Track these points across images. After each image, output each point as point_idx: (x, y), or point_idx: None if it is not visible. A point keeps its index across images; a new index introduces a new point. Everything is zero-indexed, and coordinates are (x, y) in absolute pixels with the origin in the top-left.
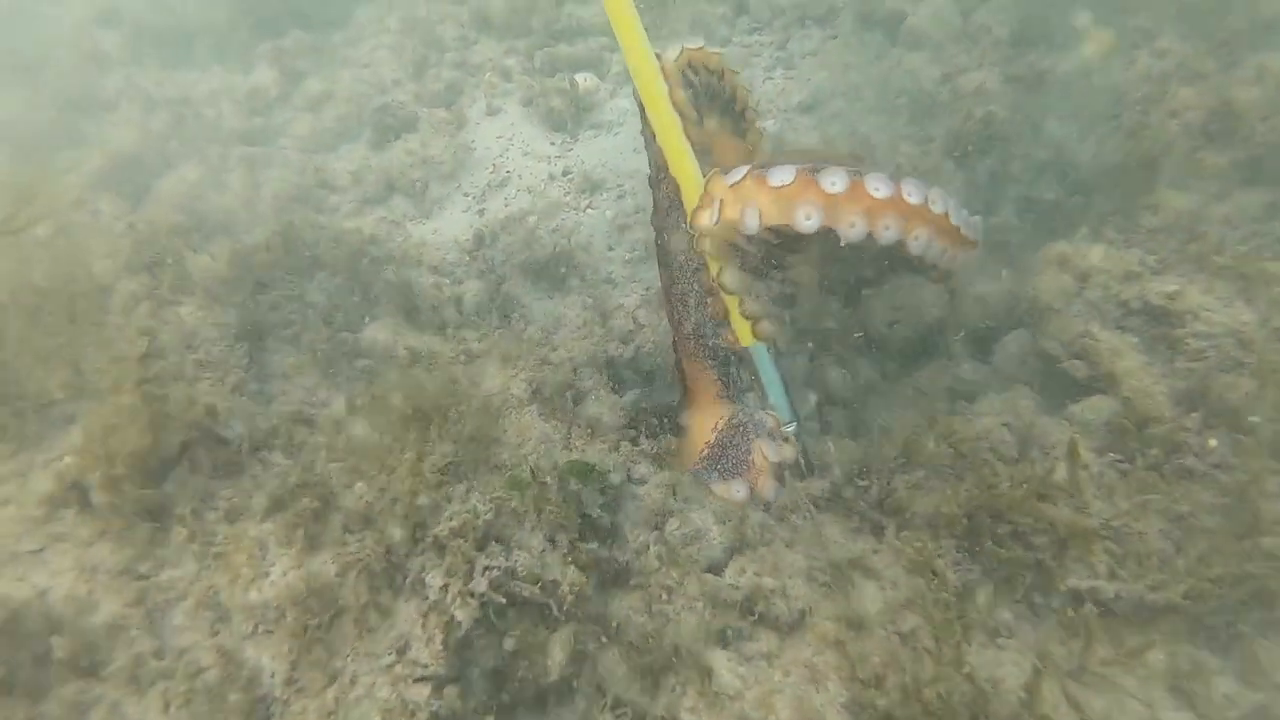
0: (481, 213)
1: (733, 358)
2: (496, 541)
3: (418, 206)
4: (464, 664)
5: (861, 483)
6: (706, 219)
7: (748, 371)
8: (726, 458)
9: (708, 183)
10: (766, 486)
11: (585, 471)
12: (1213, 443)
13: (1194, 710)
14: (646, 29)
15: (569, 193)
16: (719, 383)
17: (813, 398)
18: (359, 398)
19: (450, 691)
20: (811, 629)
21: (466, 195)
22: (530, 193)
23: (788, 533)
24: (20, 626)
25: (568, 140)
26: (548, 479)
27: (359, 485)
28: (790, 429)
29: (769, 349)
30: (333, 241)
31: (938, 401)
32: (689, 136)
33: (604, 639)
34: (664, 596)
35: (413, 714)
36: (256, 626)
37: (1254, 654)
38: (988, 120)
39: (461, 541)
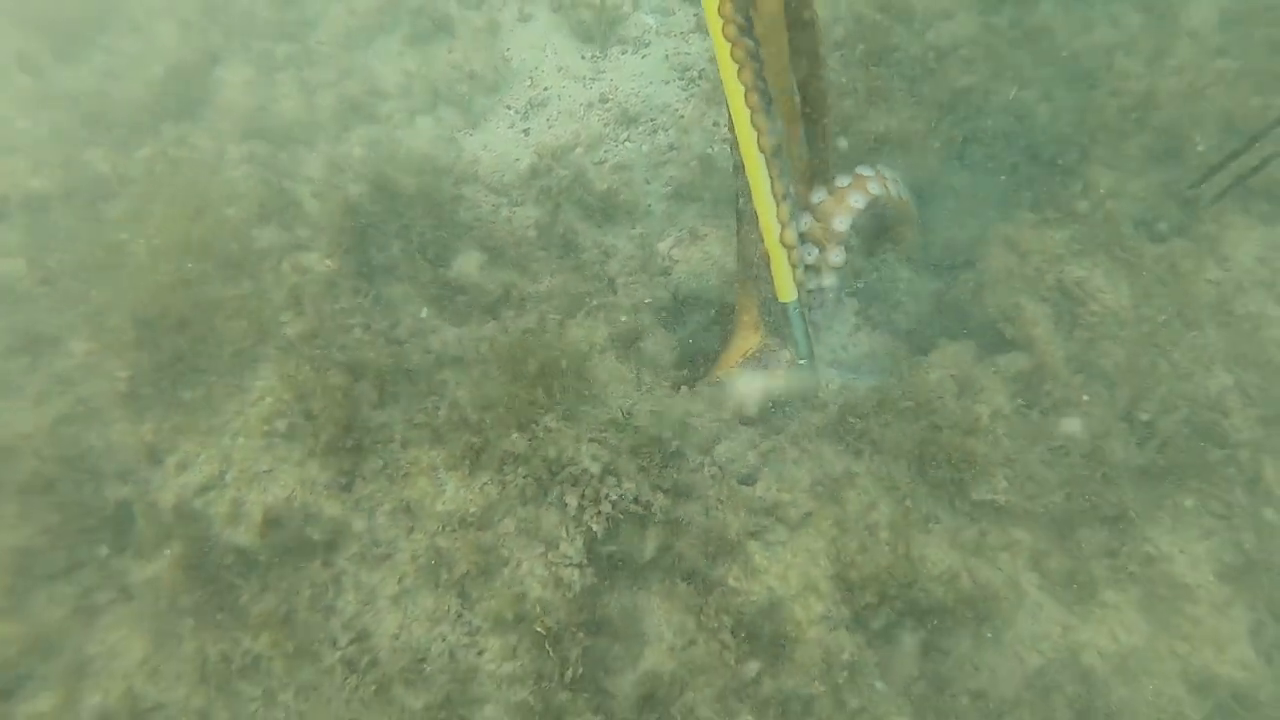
0: (526, 132)
1: (771, 302)
2: (611, 475)
3: (464, 117)
4: (591, 555)
5: (852, 420)
6: None
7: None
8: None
9: None
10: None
11: (662, 418)
12: (1085, 397)
13: (1040, 574)
14: None
15: (608, 124)
16: (759, 315)
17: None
18: (480, 345)
19: (587, 571)
20: (812, 525)
21: (509, 109)
22: (571, 118)
23: (796, 452)
24: (280, 520)
25: (598, 55)
26: (638, 423)
27: (517, 438)
28: (802, 363)
29: (796, 306)
30: (412, 175)
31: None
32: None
33: (679, 535)
34: (718, 506)
35: (567, 588)
36: (443, 526)
37: (1082, 542)
38: (969, 90)
39: (591, 478)
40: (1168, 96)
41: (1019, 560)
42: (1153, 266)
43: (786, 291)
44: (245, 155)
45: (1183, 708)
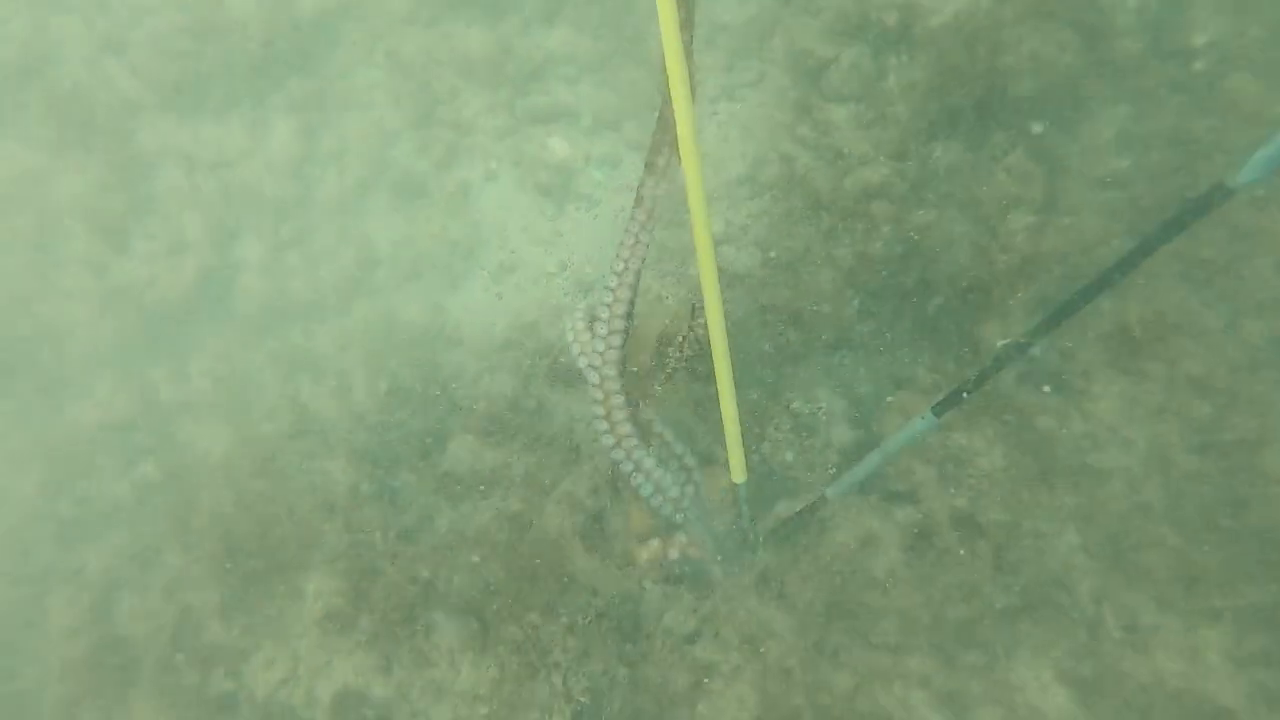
0: (500, 295)
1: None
2: (585, 656)
3: (446, 279)
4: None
5: (772, 580)
6: None
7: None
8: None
9: None
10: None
11: (621, 597)
12: (961, 551)
13: (927, 694)
14: None
15: (567, 293)
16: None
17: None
18: (478, 530)
19: None
20: (740, 676)
21: (483, 270)
22: (536, 284)
23: (727, 609)
24: (343, 701)
25: (556, 214)
26: (601, 606)
27: (513, 629)
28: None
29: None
30: (407, 356)
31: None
32: None
33: (640, 693)
34: (669, 667)
35: None
36: (462, 700)
37: (959, 669)
38: (873, 253)
39: (570, 662)
40: (1053, 253)
41: (910, 684)
42: (1027, 425)
43: (741, 471)
44: (271, 355)
45: None
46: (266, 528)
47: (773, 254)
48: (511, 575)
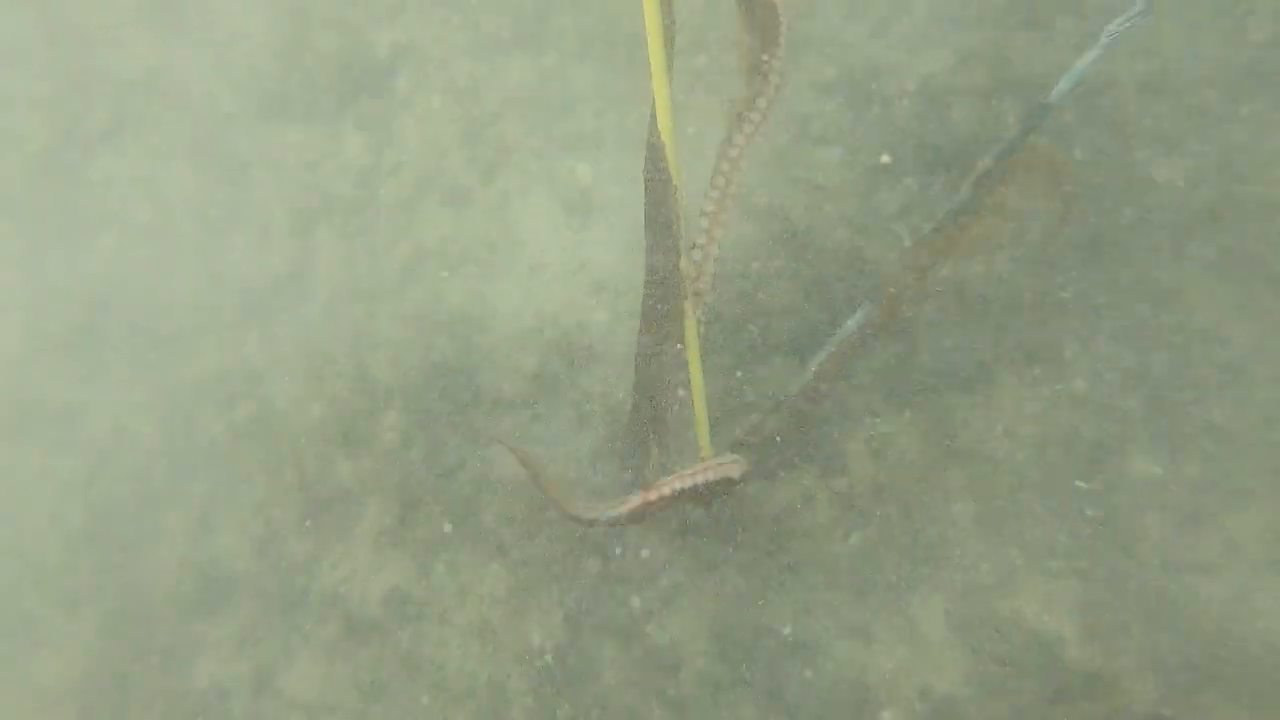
0: (529, 290)
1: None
2: (578, 573)
3: (485, 274)
4: (565, 616)
5: (726, 524)
6: None
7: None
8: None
9: None
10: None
11: (610, 535)
12: (878, 512)
13: (835, 625)
14: None
15: (585, 290)
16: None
17: None
18: (500, 473)
19: (563, 625)
20: (699, 598)
21: (517, 267)
22: (558, 282)
23: (684, 544)
24: (391, 598)
25: (579, 226)
26: (596, 537)
27: (523, 550)
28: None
29: None
30: (449, 337)
31: None
32: None
33: (614, 606)
34: (637, 587)
35: (552, 635)
36: (482, 600)
37: (868, 604)
38: (843, 270)
39: (567, 576)
40: (975, 274)
41: (829, 616)
42: (941, 418)
43: (707, 447)
44: (340, 328)
45: (912, 701)
46: (333, 461)
47: (755, 265)
48: (526, 509)
